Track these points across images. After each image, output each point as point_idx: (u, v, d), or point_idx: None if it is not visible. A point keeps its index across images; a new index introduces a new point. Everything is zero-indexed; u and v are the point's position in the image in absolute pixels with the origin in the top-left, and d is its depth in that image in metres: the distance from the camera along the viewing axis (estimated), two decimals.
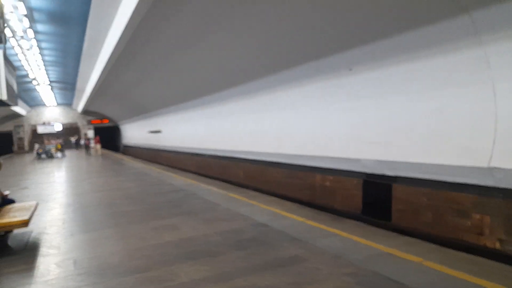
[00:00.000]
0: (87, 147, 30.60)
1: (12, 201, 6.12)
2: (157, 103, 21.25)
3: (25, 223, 5.01)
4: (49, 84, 29.59)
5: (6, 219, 4.95)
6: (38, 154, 28.78)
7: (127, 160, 23.05)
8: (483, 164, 4.94)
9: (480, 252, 4.74)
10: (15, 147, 41.32)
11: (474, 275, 3.59)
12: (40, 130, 41.21)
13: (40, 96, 36.12)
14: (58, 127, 42.24)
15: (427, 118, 5.82)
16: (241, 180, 13.04)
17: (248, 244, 4.86)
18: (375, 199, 7.06)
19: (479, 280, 3.50)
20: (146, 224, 6.22)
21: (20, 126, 41.50)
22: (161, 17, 8.90)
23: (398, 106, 6.29)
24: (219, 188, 9.74)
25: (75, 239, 5.60)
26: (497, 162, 4.85)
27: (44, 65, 22.34)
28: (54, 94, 36.08)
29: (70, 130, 43.31)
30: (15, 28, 14.27)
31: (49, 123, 42.08)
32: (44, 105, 42.10)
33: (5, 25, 5.59)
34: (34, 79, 25.89)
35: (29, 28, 14.40)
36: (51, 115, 43.22)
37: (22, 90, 29.87)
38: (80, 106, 37.40)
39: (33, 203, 6.07)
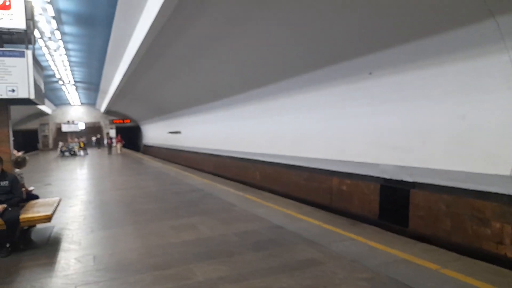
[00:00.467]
0: (109, 146, 31.04)
1: (36, 197, 6.33)
2: (177, 104, 21.54)
3: (48, 218, 5.18)
4: (74, 84, 30.37)
5: (30, 214, 5.13)
6: (62, 152, 29.58)
7: (147, 160, 23.44)
8: (506, 172, 4.83)
9: (500, 261, 4.63)
10: (40, 145, 42.53)
11: (493, 285, 3.52)
12: (64, 128, 42.24)
13: (65, 96, 37.09)
14: (82, 126, 43.26)
15: (449, 124, 5.73)
16: (258, 182, 13.08)
17: (264, 246, 4.90)
18: (393, 204, 6.97)
19: None
20: (165, 223, 6.33)
21: (45, 124, 42.70)
22: (183, 20, 9.05)
23: (420, 111, 6.21)
24: (235, 189, 9.81)
25: (95, 235, 5.74)
26: None
27: (70, 65, 22.94)
28: (79, 94, 36.98)
29: (93, 129, 44.29)
30: (43, 30, 14.75)
31: (73, 122, 43.14)
32: (68, 104, 43.20)
33: (35, 26, 5.81)
34: (60, 79, 26.62)
35: (56, 29, 14.85)
36: (75, 114, 44.30)
37: (48, 89, 30.74)
38: (103, 106, 38.24)
39: (56, 199, 6.26)
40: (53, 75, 25.16)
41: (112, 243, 5.34)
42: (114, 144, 31.87)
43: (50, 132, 43.20)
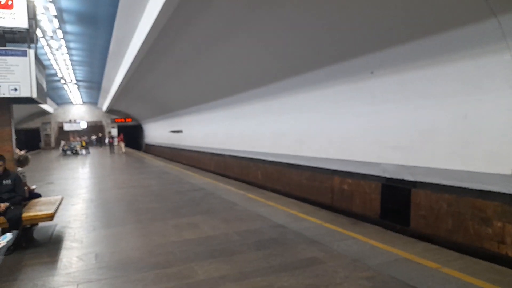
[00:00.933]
0: (111, 145, 30.98)
1: (38, 195, 6.35)
2: (179, 103, 21.56)
3: (51, 217, 5.20)
4: (76, 83, 30.41)
5: (33, 212, 5.15)
6: (64, 151, 29.65)
7: (149, 159, 23.47)
8: (507, 171, 4.83)
9: (501, 260, 4.63)
10: (42, 144, 42.62)
11: (494, 284, 3.52)
12: (66, 127, 42.31)
13: (67, 95, 37.15)
14: (84, 125, 43.34)
15: (451, 123, 5.73)
16: (259, 181, 13.10)
17: (266, 245, 4.90)
18: (394, 203, 6.98)
19: None
20: (167, 221, 6.35)
21: (47, 123, 42.79)
22: (185, 19, 9.07)
23: (422, 110, 6.20)
24: (237, 188, 9.82)
25: (97, 234, 5.77)
26: None
27: (71, 64, 22.97)
28: (81, 93, 37.03)
29: (95, 128, 44.38)
30: (45, 29, 14.77)
31: (75, 121, 43.22)
32: (70, 103, 43.28)
33: (37, 26, 5.84)
34: (62, 78, 26.66)
35: (58, 28, 14.86)
36: (77, 113, 44.39)
37: (50, 88, 30.80)
38: (105, 105, 38.31)
39: (58, 197, 6.28)
40: (55, 74, 25.19)
41: (114, 241, 5.36)
42: (115, 143, 31.84)
43: (52, 131, 43.29)
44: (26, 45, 5.36)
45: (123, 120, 44.68)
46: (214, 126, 17.86)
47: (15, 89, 4.89)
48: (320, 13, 6.71)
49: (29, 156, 6.45)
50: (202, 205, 7.70)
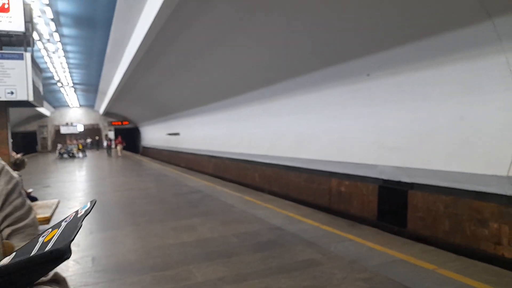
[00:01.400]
0: (108, 147, 30.70)
1: (35, 199, 6.33)
2: (176, 106, 21.56)
3: (47, 220, 5.18)
4: (72, 86, 30.37)
5: None
6: (60, 154, 29.55)
7: (146, 161, 23.44)
8: (503, 173, 4.86)
9: (498, 262, 4.65)
10: (39, 147, 42.48)
11: (490, 285, 3.54)
12: (63, 130, 42.22)
13: (64, 98, 37.07)
14: (80, 128, 43.23)
15: (448, 125, 5.76)
16: (257, 183, 13.10)
17: (264, 247, 4.91)
18: (391, 205, 7.00)
19: None
20: (165, 224, 6.34)
21: (44, 126, 42.66)
22: (183, 22, 9.08)
23: (418, 112, 6.23)
24: (235, 190, 9.82)
25: (94, 237, 5.75)
26: None
27: (68, 67, 22.95)
28: (77, 95, 36.96)
29: (92, 131, 44.27)
30: (42, 32, 14.76)
31: (71, 124, 43.11)
32: (67, 106, 43.18)
33: (34, 29, 5.84)
34: (59, 81, 26.63)
35: (55, 31, 14.87)
36: (74, 116, 44.26)
37: (47, 91, 30.71)
38: (102, 108, 38.23)
39: (55, 201, 6.27)
40: (52, 77, 25.16)
41: (111, 244, 5.35)
42: (113, 146, 31.63)
43: (49, 134, 43.16)
44: (22, 48, 5.36)
45: (120, 123, 44.58)
46: (212, 129, 17.86)
47: (12, 93, 4.89)
48: (318, 16, 6.75)
49: (26, 159, 6.42)
50: (200, 207, 7.69)
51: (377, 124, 7.12)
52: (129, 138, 43.57)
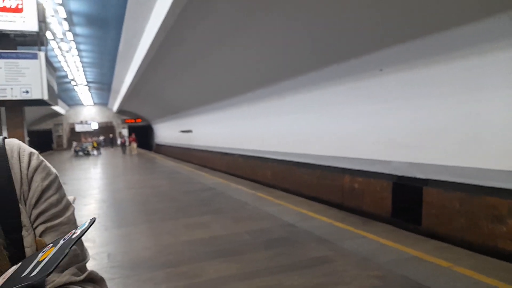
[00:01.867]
0: (123, 145, 30.64)
1: None
2: (188, 103, 21.64)
3: None
4: (86, 85, 30.78)
5: None
6: (76, 152, 30.03)
7: (159, 159, 23.64)
8: None
9: None
10: (54, 145, 43.25)
11: (507, 283, 3.47)
12: (78, 128, 42.86)
13: (78, 96, 37.61)
14: (95, 126, 43.83)
15: (463, 121, 5.65)
16: (269, 180, 13.10)
17: (276, 244, 4.91)
18: (405, 202, 6.91)
19: None
20: (178, 221, 6.40)
21: (59, 124, 43.37)
22: (193, 19, 9.10)
23: (432, 108, 6.13)
24: (247, 187, 9.84)
25: (109, 234, 5.84)
26: None
27: (82, 66, 23.26)
28: (91, 94, 37.47)
29: (106, 129, 44.83)
30: (55, 31, 14.98)
31: (86, 122, 43.73)
32: (81, 104, 43.80)
33: (47, 28, 5.92)
34: (73, 79, 27.02)
35: (68, 31, 15.07)
36: (88, 114, 44.87)
37: (61, 90, 31.20)
38: (115, 106, 38.66)
39: (71, 197, 6.30)
40: (66, 76, 25.53)
41: (126, 241, 5.42)
42: (127, 144, 31.73)
43: (64, 132, 43.86)
44: (36, 48, 5.44)
45: (133, 120, 45.03)
46: (224, 126, 17.90)
47: (27, 92, 4.96)
48: (325, 10, 6.67)
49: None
50: (212, 204, 7.73)
51: (389, 120, 7.03)
52: (142, 135, 44.05)
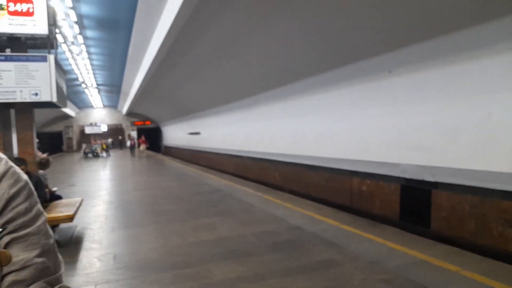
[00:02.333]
0: (132, 147, 30.38)
1: (59, 197, 6.51)
2: (197, 105, 21.74)
3: (70, 218, 5.31)
4: (96, 87, 31.08)
5: (53, 214, 5.27)
6: (85, 153, 30.32)
7: (168, 161, 23.76)
8: None
9: None
10: (64, 147, 43.76)
11: None
12: (88, 130, 43.30)
13: (88, 98, 38.02)
14: (104, 128, 44.24)
15: (475, 123, 5.57)
16: (278, 182, 13.08)
17: (282, 246, 4.89)
18: (414, 205, 6.84)
19: None
20: (185, 223, 6.40)
21: (69, 126, 43.89)
22: (202, 22, 9.13)
23: (443, 109, 6.05)
24: (255, 190, 9.83)
25: (116, 235, 5.86)
26: None
27: (92, 69, 23.49)
28: (101, 96, 37.83)
29: (115, 131, 45.22)
30: (66, 34, 15.16)
31: (95, 124, 44.16)
32: (91, 107, 44.28)
33: (58, 31, 6.00)
34: (83, 82, 27.30)
35: (79, 34, 15.24)
36: (98, 116, 45.33)
37: (72, 92, 31.58)
38: (125, 108, 38.98)
39: (78, 199, 6.42)
40: (76, 79, 25.81)
41: (132, 242, 5.44)
42: (136, 146, 31.58)
43: (74, 134, 44.36)
44: (47, 50, 5.50)
45: (142, 122, 45.37)
46: (232, 128, 17.93)
47: (36, 94, 5.03)
48: (338, 12, 6.65)
49: (50, 159, 6.61)
50: (220, 206, 7.73)
51: (398, 122, 6.97)
52: (151, 137, 44.30)
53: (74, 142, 44.11)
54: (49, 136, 41.32)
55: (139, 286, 3.84)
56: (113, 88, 32.07)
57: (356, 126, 8.33)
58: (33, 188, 0.81)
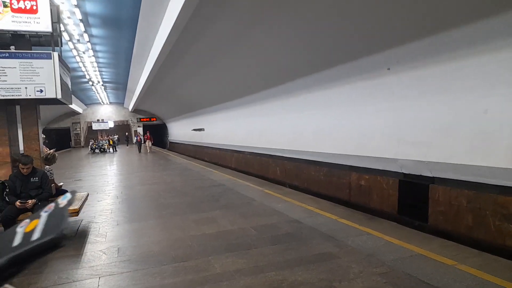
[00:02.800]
0: (139, 143, 29.94)
1: (65, 192, 6.63)
2: (201, 102, 21.85)
3: (76, 212, 5.42)
4: (103, 84, 31.29)
5: None
6: (92, 149, 30.60)
7: (173, 156, 23.90)
8: None
9: None
10: (72, 143, 44.22)
11: None
12: (95, 127, 43.66)
13: (95, 95, 38.31)
14: (111, 124, 44.59)
15: (471, 119, 5.59)
16: (278, 177, 13.16)
17: (282, 239, 4.96)
18: (412, 199, 6.88)
19: None
20: (187, 216, 6.50)
21: (77, 123, 44.35)
22: (205, 20, 9.19)
23: (440, 106, 6.08)
24: (256, 184, 9.91)
25: (121, 228, 5.97)
26: None
27: (98, 66, 23.66)
28: (107, 93, 38.07)
29: (122, 127, 45.56)
30: (72, 32, 15.30)
31: (102, 121, 44.53)
32: (98, 103, 44.64)
33: (63, 29, 6.10)
34: (90, 79, 27.51)
35: (84, 32, 15.36)
36: (105, 113, 45.70)
37: (79, 89, 31.84)
38: (131, 105, 39.23)
39: (84, 194, 6.53)
40: (83, 76, 26.01)
41: (136, 236, 5.53)
42: (143, 142, 31.50)
43: (82, 130, 44.79)
44: (51, 48, 5.60)
45: (148, 119, 45.66)
46: (234, 124, 18.02)
47: (41, 91, 5.13)
48: (335, 10, 6.68)
49: (56, 155, 6.73)
50: (221, 200, 7.83)
51: (397, 118, 7.00)
52: (157, 134, 44.54)
53: (82, 138, 44.55)
54: (57, 133, 41.77)
55: (141, 278, 3.93)
56: (119, 85, 32.26)
57: (355, 122, 8.38)
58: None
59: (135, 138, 33.48)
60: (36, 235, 0.62)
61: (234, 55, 11.37)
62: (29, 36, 5.43)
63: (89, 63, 22.05)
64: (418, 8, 5.55)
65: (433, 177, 6.38)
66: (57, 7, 5.72)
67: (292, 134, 11.70)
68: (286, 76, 10.56)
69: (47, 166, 6.28)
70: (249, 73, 12.47)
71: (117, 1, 12.40)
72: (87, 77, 26.38)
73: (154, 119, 45.75)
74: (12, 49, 5.34)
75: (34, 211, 5.05)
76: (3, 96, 5.08)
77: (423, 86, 6.27)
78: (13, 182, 5.26)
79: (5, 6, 5.16)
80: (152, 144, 31.65)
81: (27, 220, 0.67)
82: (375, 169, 7.87)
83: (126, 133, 42.94)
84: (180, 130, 36.28)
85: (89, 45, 17.67)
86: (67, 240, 5.38)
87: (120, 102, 44.13)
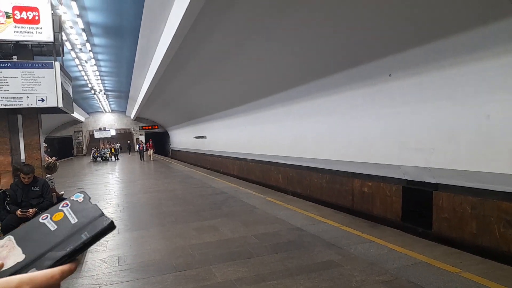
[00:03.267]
0: (141, 152, 29.99)
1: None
2: (202, 110, 21.93)
3: None
4: (105, 93, 31.45)
5: None
6: (94, 157, 30.65)
7: (174, 164, 23.91)
8: None
9: None
10: (74, 151, 44.31)
11: None
12: (97, 135, 43.79)
13: (97, 104, 38.51)
14: (113, 133, 44.71)
15: (473, 124, 5.57)
16: (281, 185, 13.12)
17: (283, 248, 4.93)
18: (415, 206, 6.83)
19: None
20: (189, 225, 6.47)
21: (79, 131, 44.50)
22: (205, 29, 9.25)
23: (442, 112, 6.07)
24: (258, 192, 9.88)
25: (122, 237, 5.94)
26: None
27: (100, 75, 23.82)
28: (109, 102, 38.27)
29: (124, 135, 45.67)
30: (74, 42, 15.42)
31: (104, 129, 44.66)
32: (100, 112, 44.83)
33: (65, 38, 6.14)
34: (92, 88, 27.67)
35: (86, 41, 15.49)
36: (107, 121, 45.87)
37: (81, 98, 32.01)
38: (133, 113, 39.38)
39: None
40: (86, 85, 26.17)
41: (137, 244, 5.51)
42: (145, 150, 31.46)
43: (84, 139, 44.91)
44: (53, 57, 5.63)
45: (150, 127, 45.80)
46: (236, 131, 18.04)
47: (42, 100, 5.15)
48: (337, 17, 6.71)
49: (57, 163, 6.74)
50: (223, 208, 7.80)
51: (399, 125, 6.99)
52: (159, 141, 44.64)
53: (84, 147, 44.64)
54: (59, 141, 41.89)
55: (142, 287, 3.90)
56: (121, 93, 32.41)
57: (357, 128, 8.36)
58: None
59: (137, 146, 33.49)
60: (75, 223, 0.59)
61: (235, 62, 11.42)
62: (31, 46, 5.47)
63: (91, 72, 22.20)
64: (420, 15, 5.57)
65: (437, 183, 6.34)
66: (59, 17, 5.77)
67: (294, 140, 11.70)
68: (288, 83, 10.58)
69: (48, 175, 6.28)
70: (250, 81, 12.51)
71: (119, 11, 12.51)
72: (89, 85, 26.54)
73: (156, 127, 45.88)
74: (15, 59, 5.38)
75: None
76: (5, 105, 5.10)
77: (425, 92, 6.27)
78: (14, 191, 5.25)
79: (7, 16, 5.20)
80: (154, 152, 31.69)
81: (47, 216, 0.64)
82: (378, 175, 7.83)
83: (128, 141, 43.04)
84: (182, 138, 36.36)
85: (91, 54, 17.81)
86: None
87: (122, 110, 44.30)
